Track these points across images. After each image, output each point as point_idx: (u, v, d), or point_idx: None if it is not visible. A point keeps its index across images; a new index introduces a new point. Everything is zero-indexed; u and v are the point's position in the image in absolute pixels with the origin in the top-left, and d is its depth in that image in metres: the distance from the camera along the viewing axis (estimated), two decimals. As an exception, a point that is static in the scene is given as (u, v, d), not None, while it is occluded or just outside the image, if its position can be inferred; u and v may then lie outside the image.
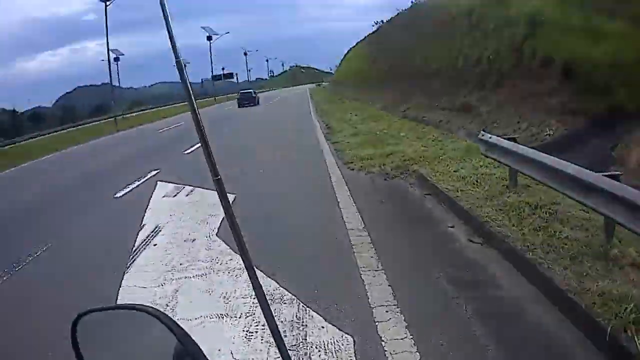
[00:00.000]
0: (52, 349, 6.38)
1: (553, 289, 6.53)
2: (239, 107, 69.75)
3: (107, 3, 69.19)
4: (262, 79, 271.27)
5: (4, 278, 9.54)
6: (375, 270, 7.88)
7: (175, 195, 14.56)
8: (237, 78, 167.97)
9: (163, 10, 1.79)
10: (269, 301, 7.14)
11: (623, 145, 12.66)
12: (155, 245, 10.46)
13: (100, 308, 1.30)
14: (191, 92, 1.86)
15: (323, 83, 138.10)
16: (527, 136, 16.19)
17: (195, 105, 1.87)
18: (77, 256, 10.51)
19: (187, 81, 1.85)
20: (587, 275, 6.61)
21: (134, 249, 10.25)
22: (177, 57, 1.81)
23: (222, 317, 7.01)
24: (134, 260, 9.59)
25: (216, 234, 10.33)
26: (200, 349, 1.30)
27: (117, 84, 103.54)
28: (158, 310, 1.22)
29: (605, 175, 7.36)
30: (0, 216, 16.03)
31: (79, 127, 77.50)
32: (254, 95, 75.23)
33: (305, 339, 6.18)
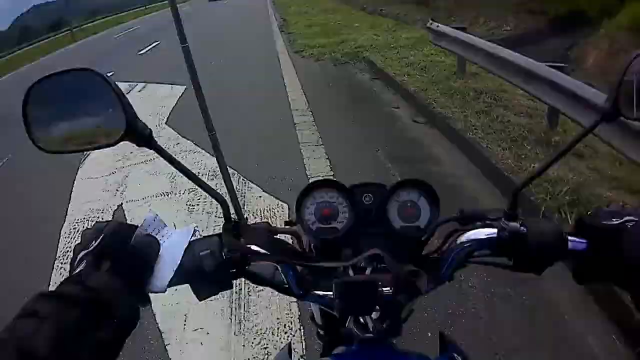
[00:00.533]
0: None
1: (491, 167, 6.58)
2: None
3: None
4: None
5: None
6: (315, 145, 7.95)
7: (128, 92, 14.22)
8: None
9: None
10: (212, 175, 7.67)
11: (580, 47, 12.64)
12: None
13: (48, 75, 1.25)
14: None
15: None
16: (484, 31, 16.13)
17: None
18: (30, 162, 10.45)
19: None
20: (526, 157, 6.66)
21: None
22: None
23: (167, 195, 7.42)
24: (87, 156, 9.78)
25: (165, 123, 10.53)
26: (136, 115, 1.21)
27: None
28: (101, 72, 1.19)
29: (550, 66, 7.30)
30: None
31: (35, 44, 76.00)
32: None
33: (244, 207, 6.51)
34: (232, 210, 1.36)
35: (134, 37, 33.72)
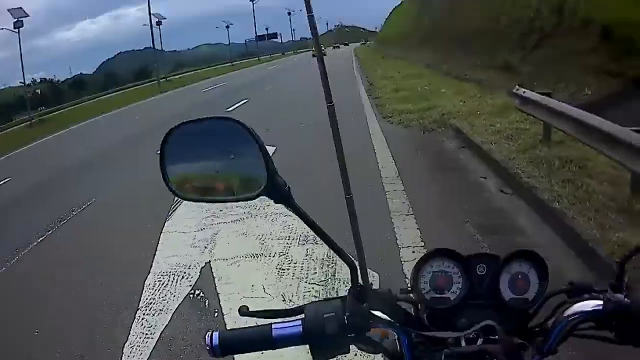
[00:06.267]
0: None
1: (575, 238, 6.68)
2: (312, 56, 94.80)
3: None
4: (306, 38, 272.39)
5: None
6: (406, 215, 8.11)
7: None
8: (281, 38, 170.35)
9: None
10: (303, 241, 7.61)
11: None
12: (195, 197, 10.78)
13: (189, 121, 1.37)
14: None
15: (368, 42, 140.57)
16: (566, 96, 16.05)
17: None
18: (122, 209, 10.93)
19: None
20: (610, 227, 6.68)
21: (174, 200, 10.38)
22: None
23: (257, 257, 7.36)
24: (175, 209, 9.96)
25: None
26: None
27: (160, 48, 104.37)
28: (246, 125, 1.30)
29: (634, 130, 7.33)
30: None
31: (121, 91, 78.64)
32: (324, 50, 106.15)
33: (334, 276, 6.53)
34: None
35: (221, 93, 34.82)
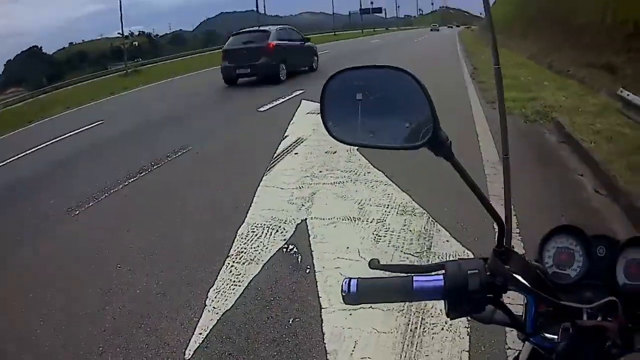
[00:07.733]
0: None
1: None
2: (430, 31, 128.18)
3: None
4: (410, 16, 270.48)
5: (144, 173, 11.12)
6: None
7: (319, 113, 15.06)
8: (385, 13, 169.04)
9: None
10: (402, 211, 7.86)
11: None
12: (296, 153, 11.24)
13: (353, 67, 1.41)
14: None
15: (472, 27, 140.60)
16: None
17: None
18: (219, 159, 11.38)
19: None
20: None
21: (275, 155, 11.07)
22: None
23: (354, 220, 7.63)
24: (275, 164, 10.38)
25: (357, 149, 10.43)
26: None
27: (263, 12, 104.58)
28: (410, 72, 1.33)
29: None
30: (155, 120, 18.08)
31: (220, 50, 79.62)
32: (438, 27, 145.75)
33: (430, 249, 6.72)
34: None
35: (323, 60, 33.89)
